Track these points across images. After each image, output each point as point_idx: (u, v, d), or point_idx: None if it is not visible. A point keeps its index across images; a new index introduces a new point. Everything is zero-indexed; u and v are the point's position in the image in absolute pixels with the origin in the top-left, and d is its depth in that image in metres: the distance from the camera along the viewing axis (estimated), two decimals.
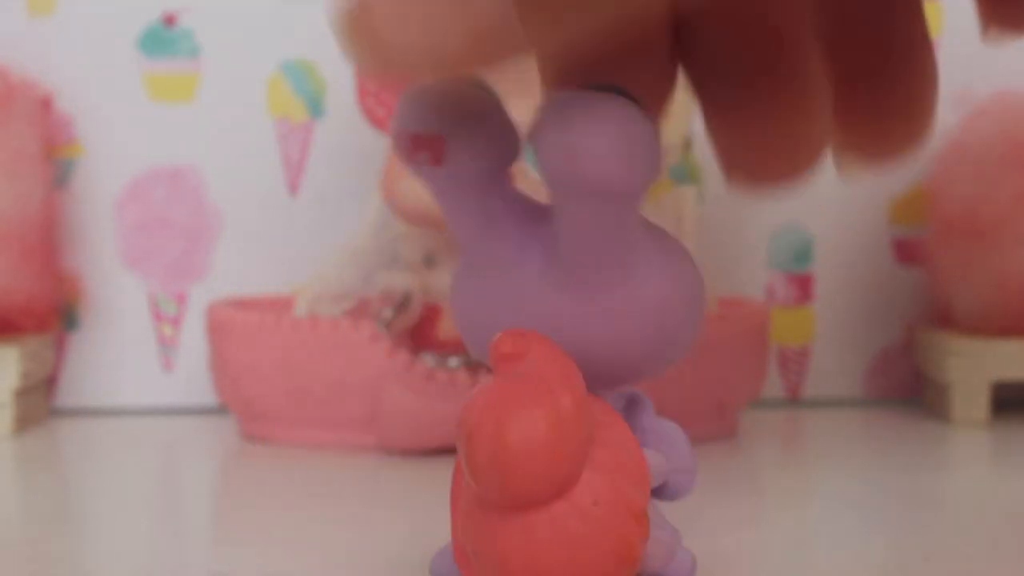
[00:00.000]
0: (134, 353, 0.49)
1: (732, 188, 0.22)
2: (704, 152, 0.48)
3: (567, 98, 0.21)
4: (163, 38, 0.49)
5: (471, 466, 0.21)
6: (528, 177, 0.29)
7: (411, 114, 0.21)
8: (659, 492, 0.24)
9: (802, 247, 0.49)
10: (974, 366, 0.44)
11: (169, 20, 0.49)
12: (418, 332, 0.43)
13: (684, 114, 0.42)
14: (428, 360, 0.41)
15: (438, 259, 0.43)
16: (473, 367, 0.40)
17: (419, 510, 0.33)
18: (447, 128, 0.21)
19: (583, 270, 0.22)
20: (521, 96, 0.26)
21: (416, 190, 0.41)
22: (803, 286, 0.50)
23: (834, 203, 0.49)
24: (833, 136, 0.22)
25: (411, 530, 0.30)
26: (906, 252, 0.49)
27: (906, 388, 0.49)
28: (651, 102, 0.22)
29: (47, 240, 0.46)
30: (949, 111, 0.47)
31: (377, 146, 0.44)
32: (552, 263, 0.22)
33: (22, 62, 0.48)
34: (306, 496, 0.35)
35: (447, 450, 0.38)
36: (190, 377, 0.49)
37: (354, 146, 0.48)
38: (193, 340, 0.48)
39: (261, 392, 0.41)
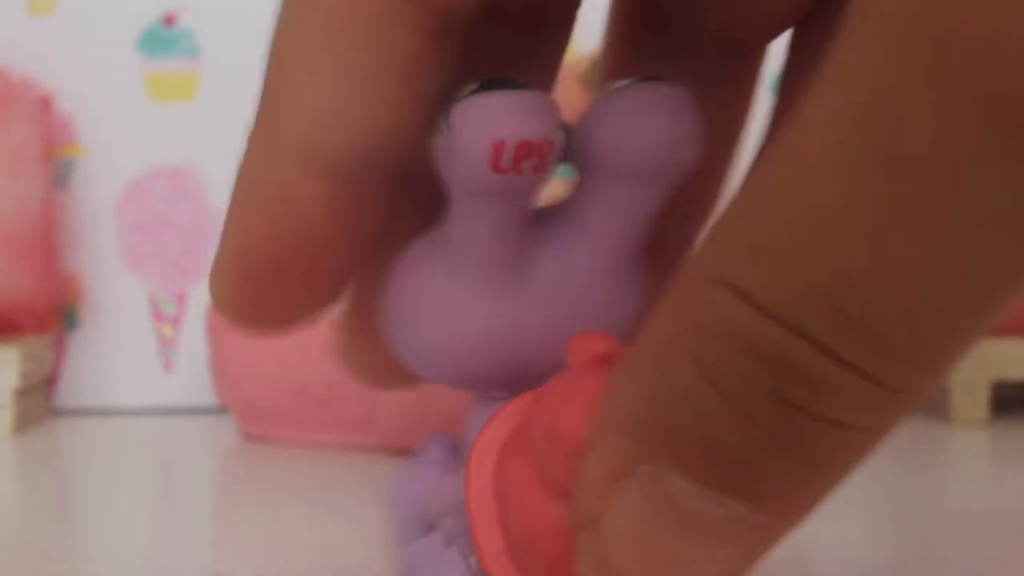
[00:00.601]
0: (134, 353, 0.49)
1: None
2: None
3: (629, 88, 0.22)
4: (163, 38, 0.49)
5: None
6: None
7: (516, 119, 0.21)
8: None
9: None
10: (974, 366, 0.44)
11: (169, 20, 0.49)
12: None
13: None
14: None
15: None
16: None
17: None
18: (550, 134, 0.21)
19: (628, 257, 0.23)
20: None
21: None
22: None
23: None
24: None
25: None
26: None
27: None
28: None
29: (47, 240, 0.46)
30: None
31: None
32: (600, 254, 0.23)
33: (22, 62, 0.48)
34: (306, 496, 0.35)
35: None
36: (190, 377, 0.49)
37: None
38: (193, 340, 0.48)
39: (261, 392, 0.41)
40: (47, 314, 0.46)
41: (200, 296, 0.48)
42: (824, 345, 0.14)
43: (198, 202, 0.49)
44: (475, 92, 0.21)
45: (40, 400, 0.46)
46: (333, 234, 0.21)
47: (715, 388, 0.16)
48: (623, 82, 0.22)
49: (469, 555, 0.24)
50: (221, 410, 0.47)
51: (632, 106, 0.22)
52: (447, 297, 0.23)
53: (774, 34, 0.23)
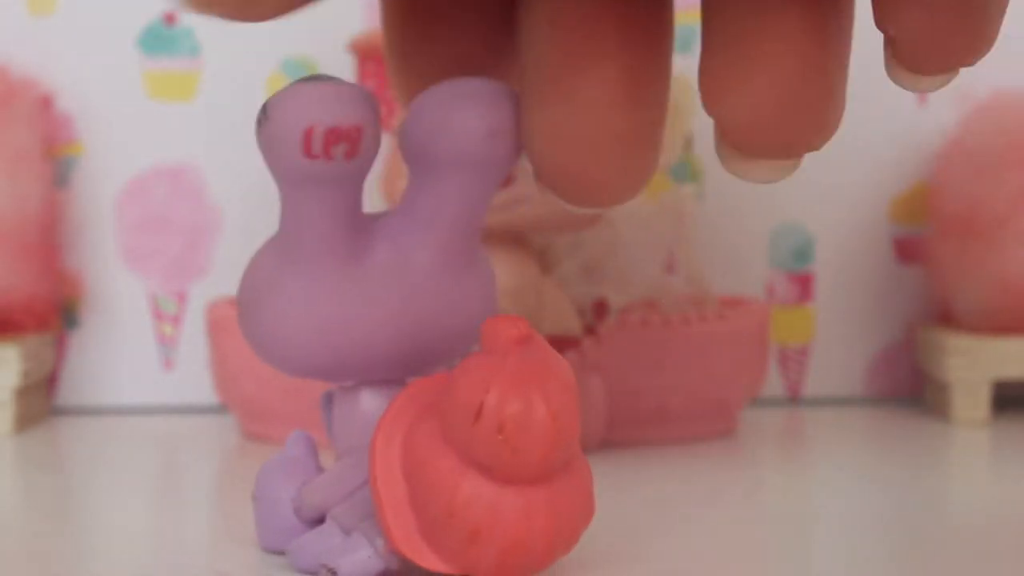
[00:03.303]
0: (134, 352, 0.49)
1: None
2: (704, 151, 0.48)
3: (454, 86, 0.23)
4: (163, 37, 0.49)
5: (517, 442, 0.21)
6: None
7: (326, 107, 0.22)
8: None
9: (802, 246, 0.49)
10: (974, 365, 0.44)
11: (169, 19, 0.49)
12: None
13: (684, 113, 0.42)
14: None
15: None
16: None
17: None
18: (361, 121, 0.22)
19: (462, 246, 0.24)
20: None
21: None
22: (803, 285, 0.50)
23: (834, 202, 0.49)
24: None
25: None
26: (906, 251, 0.49)
27: (906, 387, 0.49)
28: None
29: (47, 239, 0.46)
30: (949, 110, 0.47)
31: None
32: (432, 245, 0.23)
33: (22, 62, 0.48)
34: None
35: None
36: (190, 376, 0.49)
37: None
38: (193, 339, 0.48)
39: (261, 391, 0.41)
40: (47, 313, 0.46)
41: (200, 295, 0.49)
42: None
43: (198, 201, 0.49)
44: (290, 85, 0.22)
45: (40, 399, 0.46)
46: None
47: None
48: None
49: (375, 538, 0.24)
50: (221, 409, 0.47)
51: (446, 99, 0.23)
52: (281, 288, 0.23)
53: None
